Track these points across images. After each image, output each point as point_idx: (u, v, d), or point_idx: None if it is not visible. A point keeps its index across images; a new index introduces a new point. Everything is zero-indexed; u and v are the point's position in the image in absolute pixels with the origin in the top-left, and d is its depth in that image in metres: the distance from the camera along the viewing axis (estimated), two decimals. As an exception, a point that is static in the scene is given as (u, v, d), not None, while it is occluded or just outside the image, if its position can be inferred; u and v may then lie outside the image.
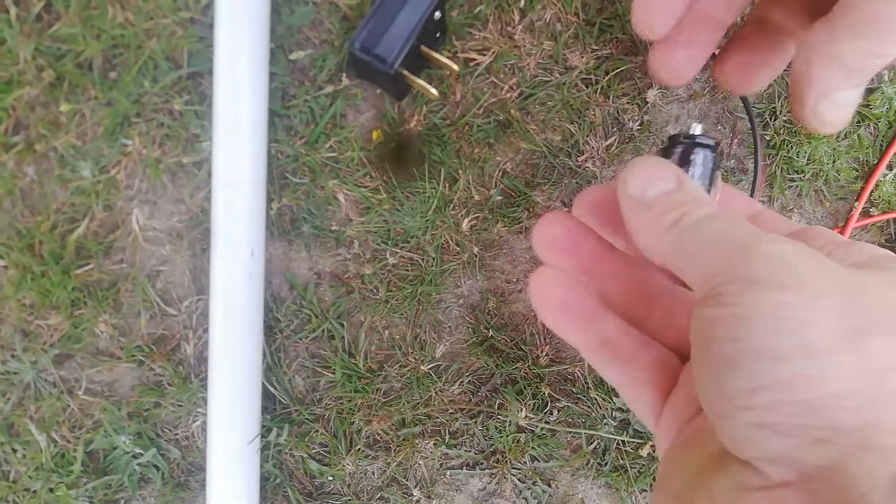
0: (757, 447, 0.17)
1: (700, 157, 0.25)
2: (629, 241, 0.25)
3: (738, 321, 0.17)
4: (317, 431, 0.58)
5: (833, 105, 0.23)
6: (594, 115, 0.55)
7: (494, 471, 0.60)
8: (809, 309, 0.17)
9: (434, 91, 0.50)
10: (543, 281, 0.25)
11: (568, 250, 0.25)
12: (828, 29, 0.22)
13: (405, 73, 0.49)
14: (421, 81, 0.50)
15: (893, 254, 0.21)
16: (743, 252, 0.19)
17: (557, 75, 0.55)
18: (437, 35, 0.51)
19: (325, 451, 0.58)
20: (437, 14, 0.49)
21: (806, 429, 0.17)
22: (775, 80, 0.54)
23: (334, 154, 0.54)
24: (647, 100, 0.55)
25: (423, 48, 0.50)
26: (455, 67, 0.51)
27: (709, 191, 0.25)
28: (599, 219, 0.25)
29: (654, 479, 0.60)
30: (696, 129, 0.25)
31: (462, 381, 0.58)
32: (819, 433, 0.17)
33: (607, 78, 0.54)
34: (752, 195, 0.51)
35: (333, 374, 0.57)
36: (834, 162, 0.58)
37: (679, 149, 0.25)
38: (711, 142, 0.25)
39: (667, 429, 0.23)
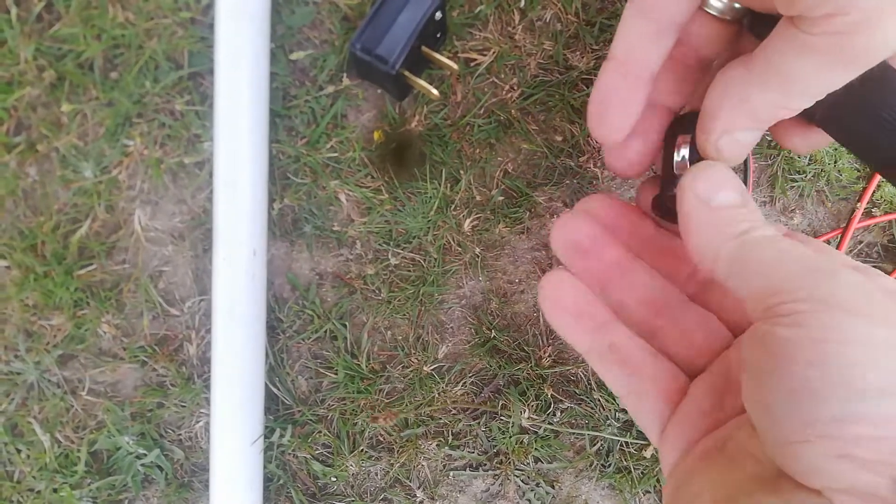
0: (835, 478, 0.17)
1: None
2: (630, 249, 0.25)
3: (825, 345, 0.17)
4: (320, 432, 0.58)
5: (734, 142, 0.24)
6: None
7: (498, 472, 0.60)
8: None
9: (435, 91, 0.49)
10: (556, 284, 0.25)
11: (589, 254, 0.25)
12: (744, 72, 0.23)
13: (406, 73, 0.49)
14: (422, 82, 0.50)
15: None
16: (823, 275, 0.19)
17: (558, 75, 0.55)
18: (438, 35, 0.51)
19: (328, 452, 0.58)
20: (438, 14, 0.49)
21: (894, 467, 0.16)
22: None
23: (335, 154, 0.54)
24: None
25: (424, 48, 0.49)
26: (455, 67, 0.51)
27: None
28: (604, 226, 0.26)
29: (657, 480, 0.60)
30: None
31: (465, 382, 0.58)
32: None
33: (609, 77, 0.54)
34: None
35: (336, 374, 0.57)
36: (836, 162, 0.57)
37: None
38: None
39: (673, 443, 0.23)
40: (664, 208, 0.26)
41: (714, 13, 0.24)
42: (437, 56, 0.50)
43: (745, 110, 0.23)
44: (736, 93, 0.23)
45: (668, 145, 0.26)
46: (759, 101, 0.23)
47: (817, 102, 0.23)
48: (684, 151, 0.25)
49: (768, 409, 0.18)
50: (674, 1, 0.24)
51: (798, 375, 0.17)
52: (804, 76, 0.21)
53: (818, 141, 0.27)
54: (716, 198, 0.22)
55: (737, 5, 0.24)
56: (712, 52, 0.26)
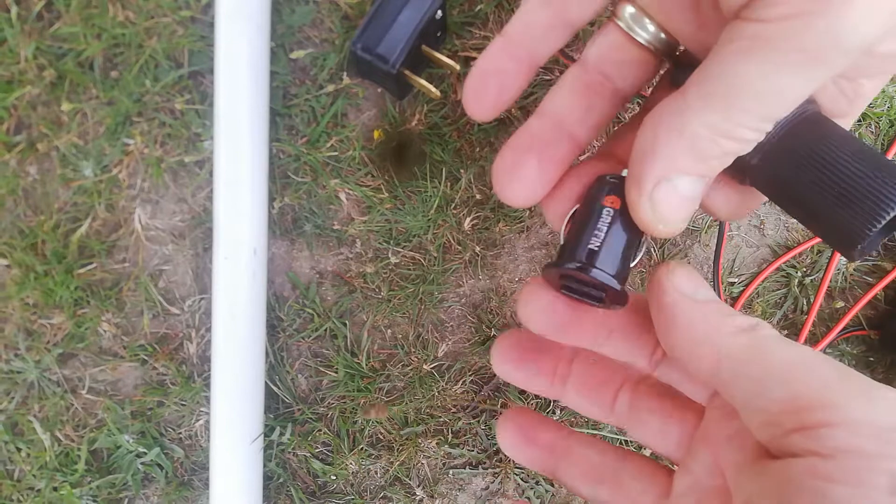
0: None
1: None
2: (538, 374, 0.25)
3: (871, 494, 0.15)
4: (320, 430, 0.58)
5: (673, 193, 0.19)
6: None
7: (497, 470, 0.60)
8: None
9: (435, 90, 0.49)
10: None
11: (529, 444, 0.26)
12: (681, 97, 0.19)
13: (407, 72, 0.49)
14: (422, 81, 0.50)
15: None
16: (861, 388, 0.17)
17: (558, 74, 0.55)
18: (438, 34, 0.51)
19: (328, 451, 0.58)
20: (439, 13, 0.49)
21: None
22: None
23: (336, 153, 0.54)
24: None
25: (425, 47, 0.49)
26: (456, 66, 0.51)
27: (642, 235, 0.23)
28: (522, 356, 0.26)
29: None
30: (626, 172, 0.22)
31: (465, 381, 0.58)
32: None
33: (609, 76, 0.54)
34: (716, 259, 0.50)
35: (336, 373, 0.57)
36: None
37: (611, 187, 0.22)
38: None
39: None
40: (572, 284, 0.23)
41: (640, 40, 0.22)
42: (438, 55, 0.50)
43: (683, 145, 0.19)
44: (671, 125, 0.19)
45: (587, 208, 0.22)
46: (698, 126, 0.18)
47: (754, 150, 0.19)
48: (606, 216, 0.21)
49: None
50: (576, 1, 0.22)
51: None
52: (748, 81, 0.17)
53: (749, 202, 0.23)
54: (699, 293, 0.20)
55: (662, 35, 0.22)
56: (628, 86, 0.23)
